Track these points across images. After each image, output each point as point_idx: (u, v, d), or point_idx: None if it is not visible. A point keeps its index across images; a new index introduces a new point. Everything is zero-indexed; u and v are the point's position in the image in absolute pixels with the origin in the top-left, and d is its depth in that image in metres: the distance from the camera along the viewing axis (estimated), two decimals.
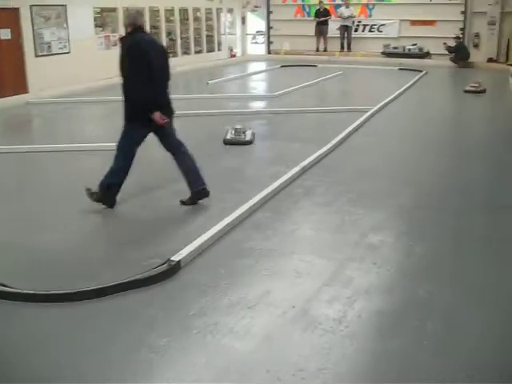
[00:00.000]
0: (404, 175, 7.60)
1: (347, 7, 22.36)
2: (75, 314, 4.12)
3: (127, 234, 5.61)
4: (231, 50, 23.11)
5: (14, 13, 13.50)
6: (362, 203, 6.41)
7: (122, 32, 16.66)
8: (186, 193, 6.24)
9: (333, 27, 22.69)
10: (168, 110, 6.09)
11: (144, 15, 6.15)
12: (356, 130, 10.09)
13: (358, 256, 5.05)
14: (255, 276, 4.70)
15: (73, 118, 11.87)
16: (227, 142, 9.06)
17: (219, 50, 22.35)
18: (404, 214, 6.20)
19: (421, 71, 18.41)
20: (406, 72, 18.70)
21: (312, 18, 22.97)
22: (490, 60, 20.36)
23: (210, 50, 21.75)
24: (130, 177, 6.14)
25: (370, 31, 22.92)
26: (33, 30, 13.98)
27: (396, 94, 14.00)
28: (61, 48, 14.72)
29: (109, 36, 16.43)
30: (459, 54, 20.11)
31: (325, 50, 23.04)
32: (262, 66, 21.75)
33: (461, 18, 21.12)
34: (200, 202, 6.25)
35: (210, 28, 21.61)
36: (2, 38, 13.31)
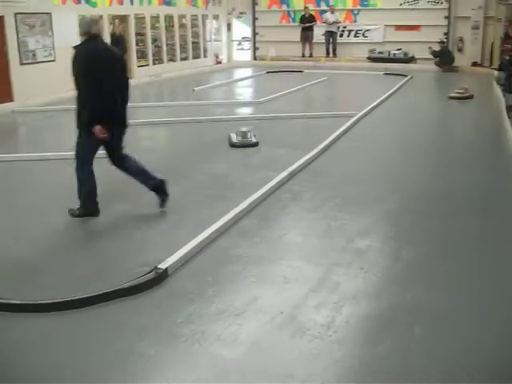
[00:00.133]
0: (390, 180, 7.63)
1: (332, 13, 22.46)
2: (62, 324, 4.10)
3: (113, 243, 5.58)
4: (217, 57, 23.12)
5: None
6: (348, 208, 6.43)
7: (107, 40, 16.72)
8: (169, 200, 6.26)
9: (318, 33, 22.78)
10: (119, 124, 5.99)
11: (99, 23, 6.01)
12: (342, 135, 10.13)
13: (345, 261, 5.06)
14: (243, 283, 4.70)
15: (59, 126, 11.80)
16: (235, 145, 9.25)
17: (205, 56, 22.34)
18: (391, 218, 6.23)
19: (406, 76, 18.53)
20: (392, 77, 18.80)
21: (297, 24, 23.05)
22: (475, 64, 20.52)
23: (196, 56, 21.74)
24: (113, 185, 6.13)
25: (355, 36, 23.04)
26: (17, 37, 13.88)
27: (381, 99, 14.07)
28: (46, 56, 14.65)
29: None
30: (444, 58, 20.24)
31: (310, 55, 23.13)
32: (248, 72, 21.78)
33: (445, 22, 21.32)
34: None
35: (195, 35, 21.60)
36: None
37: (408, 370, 3.55)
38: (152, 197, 6.36)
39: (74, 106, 5.92)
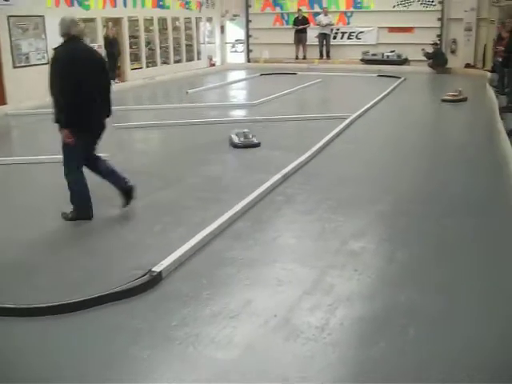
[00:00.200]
0: (384, 182, 7.63)
1: (325, 15, 22.51)
2: (57, 328, 4.07)
3: (106, 246, 5.56)
4: (211, 59, 23.12)
5: None
6: (342, 210, 6.44)
7: (101, 42, 16.72)
8: (160, 202, 6.25)
9: (311, 35, 22.82)
10: (97, 126, 5.99)
11: (80, 24, 5.96)
12: (336, 137, 10.14)
13: (339, 263, 5.06)
14: (237, 285, 4.70)
15: (53, 129, 11.71)
16: (237, 146, 9.33)
17: (199, 59, 22.35)
18: (385, 220, 6.23)
19: (399, 78, 18.59)
20: (385, 79, 18.86)
21: (291, 26, 23.09)
22: (468, 66, 20.61)
23: (190, 59, 21.74)
24: (105, 189, 6.12)
25: (348, 39, 23.09)
26: (10, 41, 13.88)
27: (375, 100, 14.10)
28: (39, 59, 14.62)
29: None
30: (437, 60, 20.32)
31: (304, 57, 23.17)
32: (241, 74, 21.80)
33: (438, 24, 21.39)
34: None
35: (189, 37, 21.61)
36: None
37: (402, 371, 3.55)
38: (143, 200, 6.36)
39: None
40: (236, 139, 9.49)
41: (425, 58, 20.56)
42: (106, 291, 4.42)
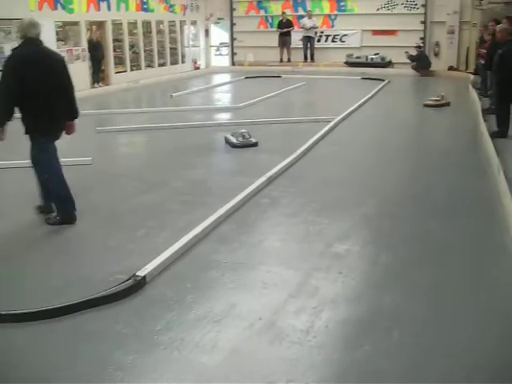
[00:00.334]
0: (369, 184, 7.64)
1: (310, 18, 22.57)
2: (38, 333, 4.04)
3: (89, 251, 5.53)
4: (195, 63, 23.11)
5: None
6: (327, 213, 6.44)
7: (84, 46, 16.66)
8: (144, 205, 6.22)
9: (296, 38, 22.87)
10: (56, 128, 5.98)
11: (39, 26, 5.91)
12: (320, 139, 10.16)
13: (324, 266, 5.07)
14: (221, 289, 4.68)
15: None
16: (236, 146, 9.48)
17: (183, 62, 22.32)
18: (369, 222, 6.24)
19: (383, 80, 18.68)
20: (369, 81, 18.92)
21: (275, 29, 23.12)
22: (451, 68, 20.75)
23: (174, 62, 21.71)
24: (92, 193, 6.07)
25: (332, 41, 23.18)
26: None
27: (359, 103, 14.14)
28: None
29: (71, 50, 16.33)
30: (420, 62, 20.44)
31: (288, 60, 23.22)
32: (226, 77, 21.79)
33: (421, 27, 21.52)
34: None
35: (173, 40, 21.58)
36: None
37: (387, 373, 3.56)
38: (127, 204, 6.33)
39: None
40: (234, 139, 9.61)
41: (409, 61, 20.66)
42: (89, 296, 4.38)
